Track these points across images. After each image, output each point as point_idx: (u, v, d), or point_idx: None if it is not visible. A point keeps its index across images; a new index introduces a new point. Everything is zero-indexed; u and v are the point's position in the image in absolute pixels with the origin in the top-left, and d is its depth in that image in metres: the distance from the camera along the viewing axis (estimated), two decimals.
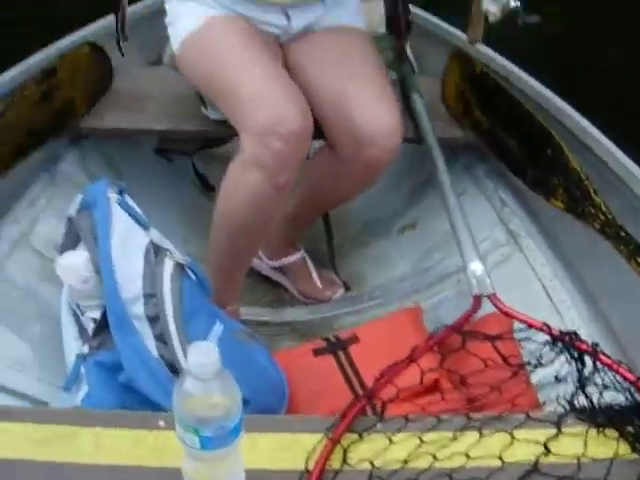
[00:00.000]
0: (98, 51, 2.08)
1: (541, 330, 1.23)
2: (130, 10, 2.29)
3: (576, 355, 1.18)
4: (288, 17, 1.71)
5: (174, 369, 1.26)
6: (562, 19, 3.73)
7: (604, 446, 1.04)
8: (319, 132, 1.68)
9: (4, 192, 1.79)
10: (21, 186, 1.89)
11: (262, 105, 1.51)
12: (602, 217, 1.54)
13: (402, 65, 2.09)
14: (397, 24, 2.06)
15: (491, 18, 1.65)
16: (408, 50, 2.18)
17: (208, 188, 2.25)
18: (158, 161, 2.28)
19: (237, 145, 1.61)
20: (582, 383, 1.15)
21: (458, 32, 2.24)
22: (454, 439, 1.06)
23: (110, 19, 2.22)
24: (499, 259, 1.87)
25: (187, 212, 2.20)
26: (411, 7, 2.14)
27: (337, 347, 1.49)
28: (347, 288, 2.01)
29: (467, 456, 1.02)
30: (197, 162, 2.29)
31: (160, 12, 2.18)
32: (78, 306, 1.38)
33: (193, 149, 2.25)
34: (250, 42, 1.63)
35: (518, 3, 1.61)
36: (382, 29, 2.03)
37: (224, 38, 1.64)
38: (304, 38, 1.75)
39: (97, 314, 1.33)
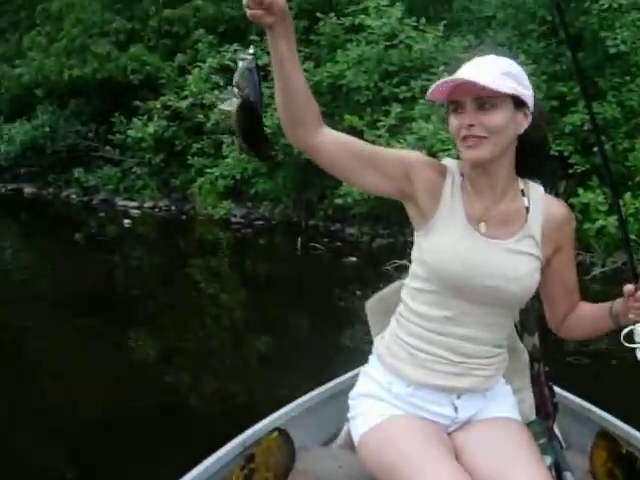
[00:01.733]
0: (284, 435, 2.40)
1: None
2: (308, 396, 2.70)
3: None
4: (456, 409, 1.99)
5: None
6: None
7: None
8: None
9: None
10: None
11: None
12: None
13: (552, 444, 2.30)
14: (545, 407, 2.33)
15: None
16: (556, 429, 2.42)
17: None
18: None
19: None
20: None
21: (599, 411, 2.50)
22: None
23: (291, 406, 2.62)
24: None
25: None
26: (555, 389, 2.43)
27: None
28: None
29: None
30: None
31: (333, 397, 2.56)
32: None
33: None
34: (426, 438, 1.89)
35: None
36: (533, 416, 2.26)
37: (403, 435, 1.90)
38: (467, 427, 2.00)
39: None
